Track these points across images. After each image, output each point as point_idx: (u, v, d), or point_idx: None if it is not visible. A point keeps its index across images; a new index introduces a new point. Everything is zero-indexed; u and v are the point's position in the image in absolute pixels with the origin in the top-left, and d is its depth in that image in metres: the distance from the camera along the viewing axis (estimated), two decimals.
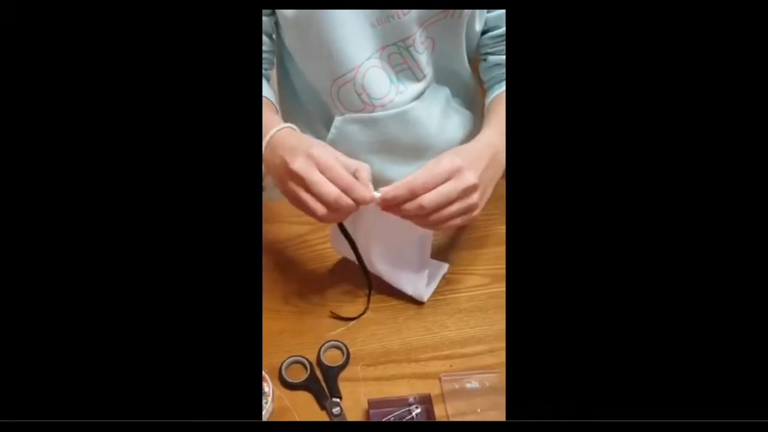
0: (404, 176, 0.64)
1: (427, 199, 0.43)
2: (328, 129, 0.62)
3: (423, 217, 0.44)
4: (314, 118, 0.64)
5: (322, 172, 0.43)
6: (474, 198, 0.45)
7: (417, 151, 0.65)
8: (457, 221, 0.46)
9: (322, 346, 0.50)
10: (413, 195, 0.43)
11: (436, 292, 0.56)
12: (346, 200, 0.43)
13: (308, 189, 0.43)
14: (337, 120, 0.61)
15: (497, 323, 0.53)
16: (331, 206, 0.43)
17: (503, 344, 0.50)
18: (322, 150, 0.44)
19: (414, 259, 0.52)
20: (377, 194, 0.44)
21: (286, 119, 0.67)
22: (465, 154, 0.46)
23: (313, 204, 0.43)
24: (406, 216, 0.45)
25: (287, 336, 0.51)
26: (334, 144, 0.63)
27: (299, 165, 0.43)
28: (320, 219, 0.44)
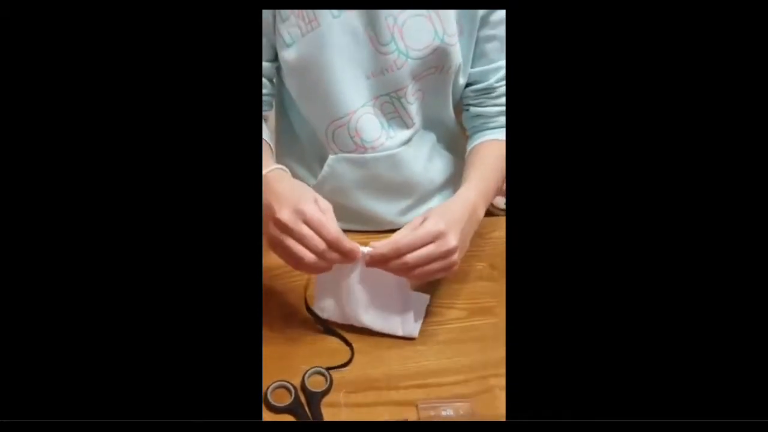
0: (389, 213, 0.68)
1: (411, 258, 0.48)
2: (322, 166, 0.67)
3: (405, 271, 0.49)
4: (309, 154, 0.69)
5: (309, 226, 0.47)
6: (454, 258, 0.50)
7: (403, 190, 0.69)
8: (437, 276, 0.51)
9: (307, 371, 0.52)
10: (399, 255, 0.48)
11: None
12: (332, 254, 0.47)
13: (296, 239, 0.47)
14: (331, 158, 0.66)
15: (472, 354, 0.56)
16: (319, 257, 0.47)
17: (477, 374, 0.53)
18: (310, 207, 0.48)
19: (397, 302, 0.55)
20: (363, 249, 0.49)
21: (283, 155, 0.72)
22: (447, 215, 0.51)
23: (300, 251, 0.47)
24: (390, 270, 0.50)
25: (272, 361, 0.53)
26: (325, 180, 0.68)
27: (287, 217, 0.47)
28: (303, 266, 0.48)
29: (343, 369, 0.53)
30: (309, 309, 0.56)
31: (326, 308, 0.57)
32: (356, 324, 0.56)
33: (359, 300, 0.54)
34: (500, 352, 0.56)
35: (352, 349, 0.55)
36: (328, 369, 0.52)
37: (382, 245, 0.49)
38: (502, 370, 0.54)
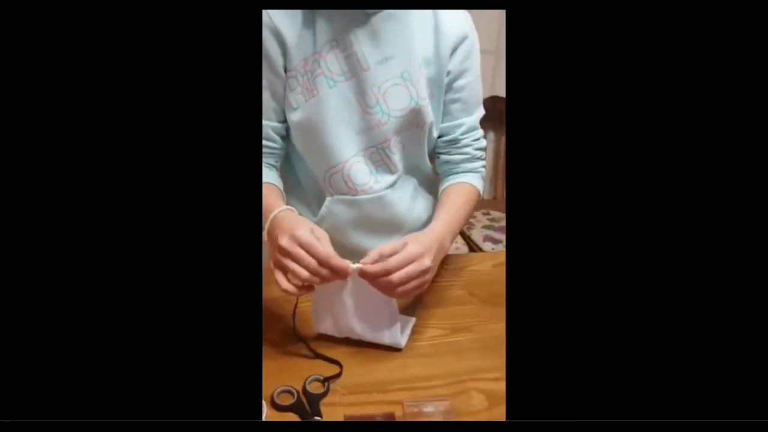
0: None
1: (396, 276, 0.59)
2: (320, 206, 0.78)
3: (390, 288, 0.60)
4: (310, 197, 0.81)
5: (303, 248, 0.58)
6: (428, 276, 0.62)
7: (390, 227, 0.81)
8: (414, 293, 0.62)
9: (307, 379, 0.60)
10: (387, 273, 0.59)
11: None
12: (323, 271, 0.57)
13: (293, 259, 0.58)
14: (328, 200, 0.78)
15: (453, 364, 0.64)
16: (312, 273, 0.57)
17: (456, 379, 0.61)
18: (304, 232, 0.59)
19: (385, 316, 0.64)
20: (353, 266, 0.59)
21: (287, 196, 0.84)
22: (423, 242, 0.63)
23: (296, 269, 0.57)
24: (376, 286, 0.60)
25: (275, 374, 0.61)
26: (324, 218, 0.79)
27: (285, 242, 0.59)
28: (300, 285, 0.58)
29: (336, 379, 0.60)
30: (298, 336, 0.65)
31: (323, 325, 0.65)
32: (350, 335, 0.65)
33: (351, 312, 0.63)
34: (476, 361, 0.64)
35: (340, 365, 0.62)
36: (326, 379, 0.60)
37: (373, 264, 0.59)
38: (478, 375, 0.62)
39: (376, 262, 0.59)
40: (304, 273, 0.57)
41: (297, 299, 0.65)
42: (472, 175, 0.80)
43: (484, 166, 0.82)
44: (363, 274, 0.59)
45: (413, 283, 0.60)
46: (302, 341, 0.65)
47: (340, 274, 0.58)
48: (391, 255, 0.59)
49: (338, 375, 0.61)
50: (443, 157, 0.80)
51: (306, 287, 0.60)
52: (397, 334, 0.65)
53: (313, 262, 0.57)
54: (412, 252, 0.60)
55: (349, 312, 0.63)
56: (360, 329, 0.64)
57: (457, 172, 0.79)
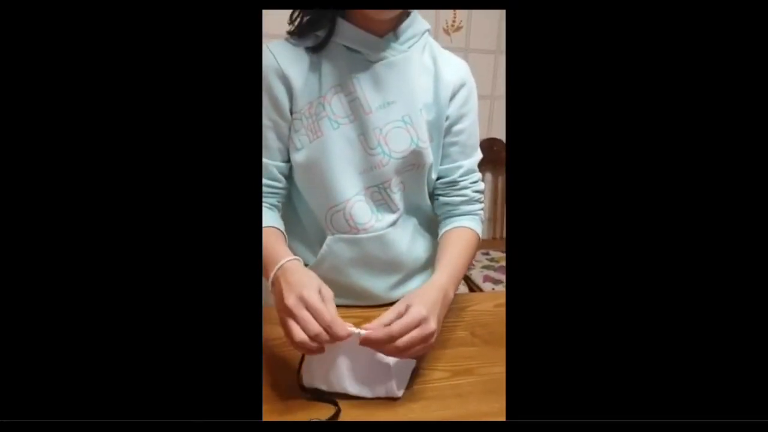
0: (380, 288, 0.80)
1: (401, 342, 0.58)
2: (321, 245, 0.79)
3: (395, 353, 0.59)
4: (311, 235, 0.81)
5: (309, 310, 0.57)
6: (432, 339, 0.61)
7: (391, 266, 0.80)
8: (418, 354, 0.61)
9: (309, 420, 0.58)
10: (391, 340, 0.58)
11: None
12: (325, 336, 0.56)
13: (297, 321, 0.56)
14: (329, 239, 0.78)
15: (454, 408, 0.62)
16: (314, 338, 0.56)
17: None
18: (312, 294, 0.58)
19: (380, 373, 0.62)
20: (354, 330, 0.58)
21: (288, 236, 0.84)
22: (426, 301, 0.61)
23: (297, 332, 0.56)
24: (382, 352, 0.59)
25: (275, 416, 0.59)
26: (324, 257, 0.79)
27: (292, 302, 0.57)
28: (300, 345, 0.57)
29: (334, 420, 0.58)
30: (300, 385, 0.63)
31: (315, 378, 0.63)
32: (343, 392, 0.63)
33: (344, 372, 0.62)
34: (479, 405, 0.63)
35: (337, 405, 0.61)
36: (327, 420, 0.58)
37: (376, 331, 0.58)
38: (480, 419, 0.59)
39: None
40: (304, 338, 0.56)
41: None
42: (471, 218, 0.80)
43: (482, 209, 0.83)
44: (366, 341, 0.58)
45: (418, 348, 0.59)
46: (302, 389, 0.63)
47: (337, 339, 0.57)
48: (395, 319, 0.58)
49: (336, 415, 0.59)
50: (442, 198, 0.81)
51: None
52: (393, 386, 0.63)
53: (316, 328, 0.56)
54: (416, 317, 0.59)
55: (343, 372, 0.62)
56: (354, 390, 0.63)
57: (456, 215, 0.80)
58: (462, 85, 0.77)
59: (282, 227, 0.75)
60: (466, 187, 0.80)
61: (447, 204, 0.81)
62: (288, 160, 0.77)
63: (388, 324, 0.58)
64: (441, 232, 0.80)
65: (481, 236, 0.81)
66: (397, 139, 0.74)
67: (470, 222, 0.79)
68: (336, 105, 0.72)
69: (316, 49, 0.71)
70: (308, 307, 0.57)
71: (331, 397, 0.61)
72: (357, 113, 0.72)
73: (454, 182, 0.80)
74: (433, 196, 0.83)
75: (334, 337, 0.56)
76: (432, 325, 0.59)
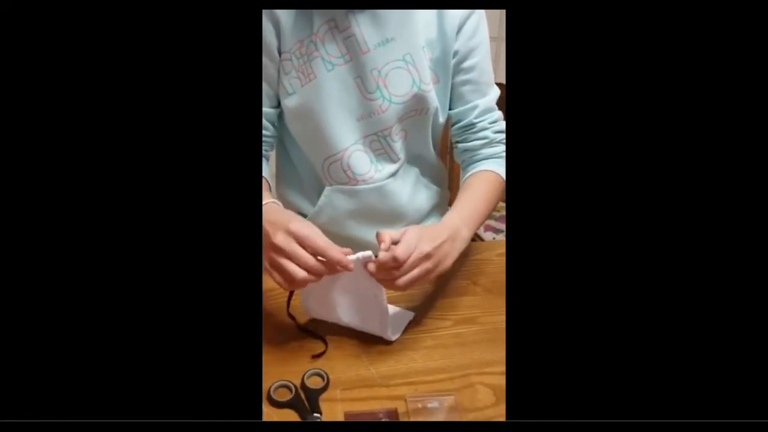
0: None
1: (402, 281, 0.55)
2: (319, 196, 0.76)
3: (391, 281, 0.56)
4: (308, 186, 0.78)
5: (300, 243, 0.54)
6: (428, 264, 0.56)
7: (391, 218, 0.78)
8: (416, 284, 0.57)
9: (306, 373, 0.58)
10: (398, 264, 0.55)
11: (406, 332, 0.65)
12: (321, 267, 0.53)
13: (290, 258, 0.53)
14: (327, 190, 0.75)
15: (457, 357, 0.62)
16: (311, 271, 0.53)
17: (460, 373, 0.59)
18: (299, 225, 0.54)
19: (375, 311, 0.61)
20: (351, 257, 0.55)
21: (285, 187, 0.81)
22: (426, 232, 0.58)
23: (296, 270, 0.53)
24: (380, 281, 0.57)
25: (273, 366, 0.59)
26: (322, 209, 0.76)
27: (280, 239, 0.54)
28: (300, 283, 0.54)
29: (336, 369, 0.59)
30: (289, 314, 0.62)
31: (311, 307, 0.63)
32: (338, 321, 0.62)
33: (341, 303, 0.61)
34: (482, 354, 0.62)
35: (325, 342, 0.61)
36: (313, 357, 0.58)
37: (384, 255, 0.55)
38: (484, 369, 0.59)
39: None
40: (302, 274, 0.53)
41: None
42: (494, 161, 0.73)
43: (504, 151, 0.73)
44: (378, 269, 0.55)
45: (414, 272, 0.56)
46: (292, 319, 0.62)
47: (334, 267, 0.54)
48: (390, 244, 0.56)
49: (323, 353, 0.59)
50: (461, 145, 0.75)
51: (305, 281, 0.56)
52: (386, 328, 0.62)
53: (310, 260, 0.53)
54: (423, 250, 0.56)
55: (338, 303, 0.61)
56: (350, 320, 0.62)
57: (478, 160, 0.74)
58: (469, 15, 0.69)
59: (268, 176, 0.71)
60: (484, 128, 0.73)
61: (467, 150, 0.75)
62: (277, 106, 0.72)
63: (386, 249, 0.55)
64: (463, 179, 0.74)
65: (505, 179, 0.72)
66: (397, 81, 0.69)
67: (493, 165, 0.71)
68: (329, 43, 0.66)
69: None
70: (298, 239, 0.53)
71: (322, 334, 0.61)
72: (353, 52, 0.67)
73: (471, 125, 0.73)
74: (437, 142, 0.78)
75: (332, 262, 0.53)
76: (425, 248, 0.55)
